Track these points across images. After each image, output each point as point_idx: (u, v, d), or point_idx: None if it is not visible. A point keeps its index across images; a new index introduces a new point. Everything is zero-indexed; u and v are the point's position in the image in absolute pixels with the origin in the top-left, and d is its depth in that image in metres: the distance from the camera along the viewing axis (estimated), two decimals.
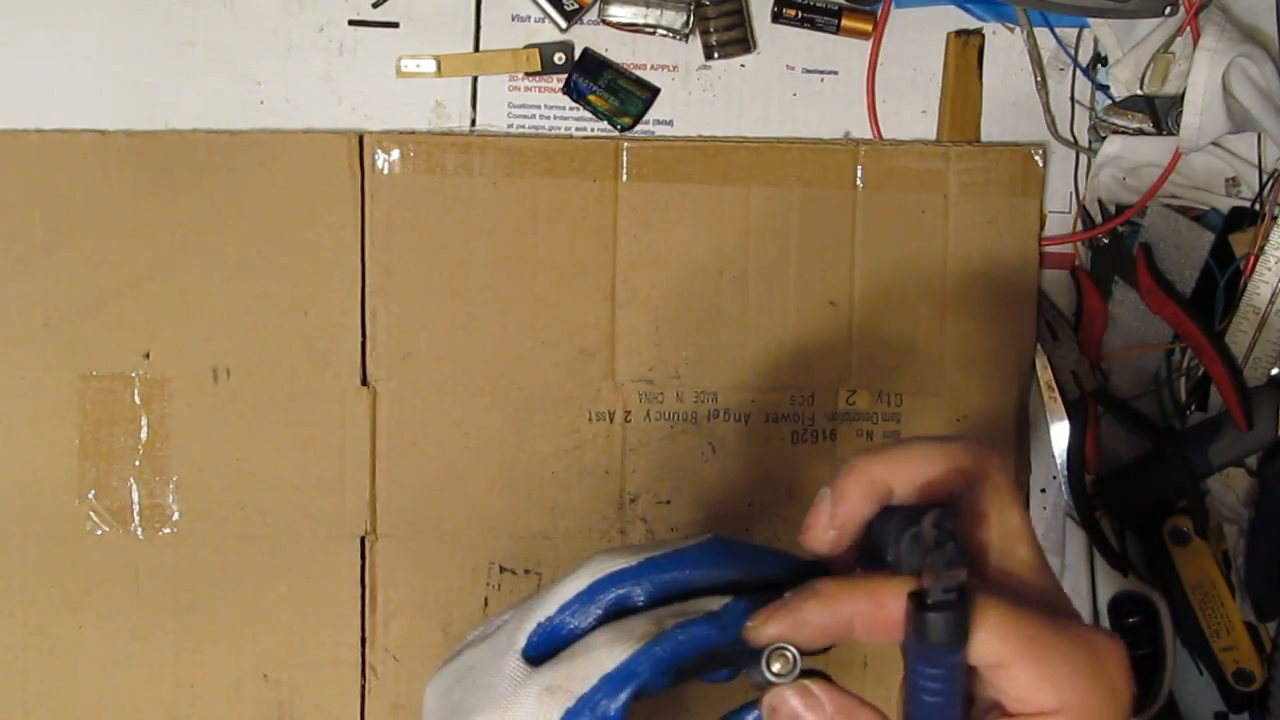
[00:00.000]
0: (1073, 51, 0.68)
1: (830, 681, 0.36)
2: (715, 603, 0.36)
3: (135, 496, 0.63)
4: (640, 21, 0.65)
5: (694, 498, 0.66)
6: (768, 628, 0.35)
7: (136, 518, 0.64)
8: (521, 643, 0.37)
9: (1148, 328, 0.68)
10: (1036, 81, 0.68)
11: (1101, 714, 0.35)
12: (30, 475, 0.63)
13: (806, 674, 0.36)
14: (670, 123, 0.67)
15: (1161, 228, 0.67)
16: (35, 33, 0.63)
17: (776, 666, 0.35)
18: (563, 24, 0.64)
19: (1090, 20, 0.67)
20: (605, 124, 0.66)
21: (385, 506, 0.64)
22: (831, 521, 0.37)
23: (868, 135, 0.68)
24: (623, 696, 0.34)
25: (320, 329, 0.64)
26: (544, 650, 0.37)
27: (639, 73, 0.66)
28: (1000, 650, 0.34)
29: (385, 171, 0.64)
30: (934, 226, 0.67)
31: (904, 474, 0.37)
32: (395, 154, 0.64)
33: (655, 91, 0.66)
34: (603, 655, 0.35)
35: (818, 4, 0.66)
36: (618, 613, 0.37)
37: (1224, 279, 0.66)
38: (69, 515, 0.63)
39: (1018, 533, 0.37)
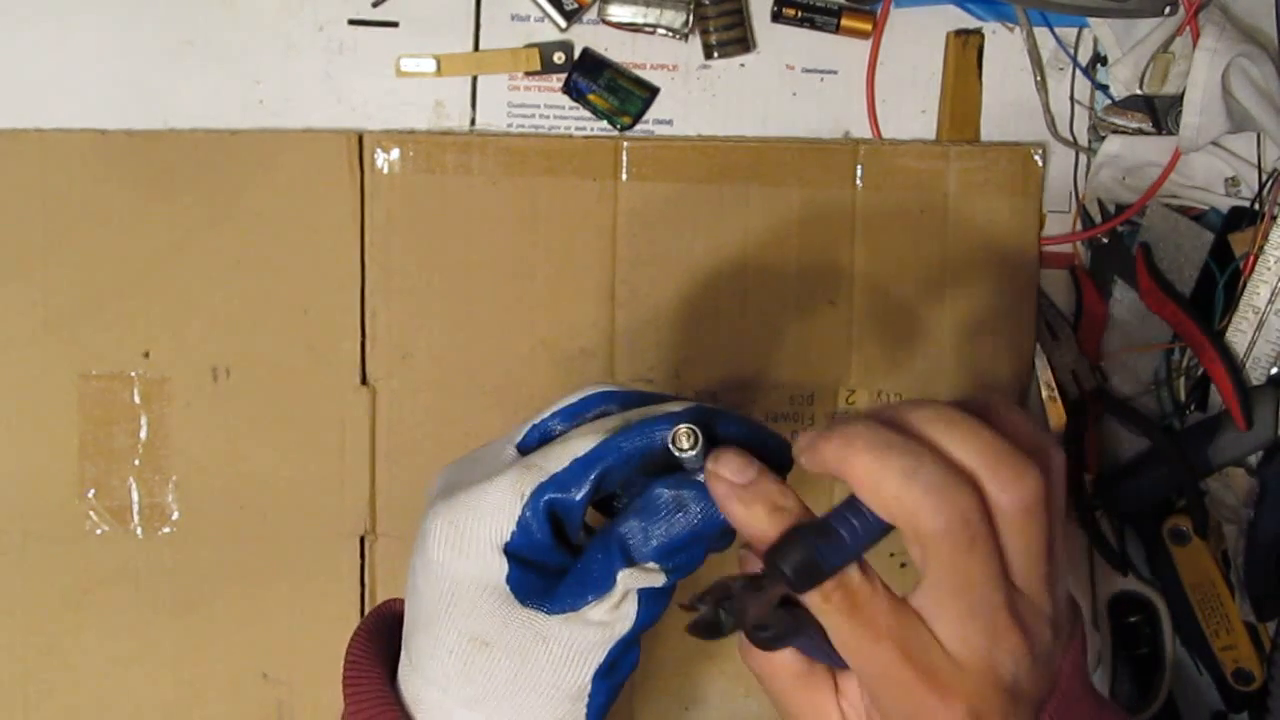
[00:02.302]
0: (1072, 51, 0.68)
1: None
2: (679, 405, 0.41)
3: (135, 496, 0.63)
4: (640, 21, 0.65)
5: None
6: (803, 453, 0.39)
7: (136, 517, 0.64)
8: (518, 438, 0.43)
9: (1147, 328, 0.68)
10: (1036, 81, 0.68)
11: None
12: (30, 475, 0.63)
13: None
14: (670, 122, 0.67)
15: (1161, 227, 0.67)
16: (35, 33, 0.63)
17: (685, 442, 0.39)
18: (562, 23, 0.64)
19: (1090, 20, 0.67)
20: (605, 123, 0.66)
21: (385, 506, 0.64)
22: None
23: (867, 135, 0.68)
24: (589, 476, 0.40)
25: (320, 329, 0.64)
26: (536, 445, 0.43)
27: (639, 72, 0.66)
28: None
29: (385, 171, 0.64)
30: (934, 226, 0.67)
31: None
32: (395, 154, 0.64)
33: (655, 91, 0.66)
34: (576, 444, 0.41)
35: (817, 4, 0.66)
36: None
37: (1223, 279, 0.66)
38: (69, 515, 0.63)
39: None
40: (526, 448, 0.43)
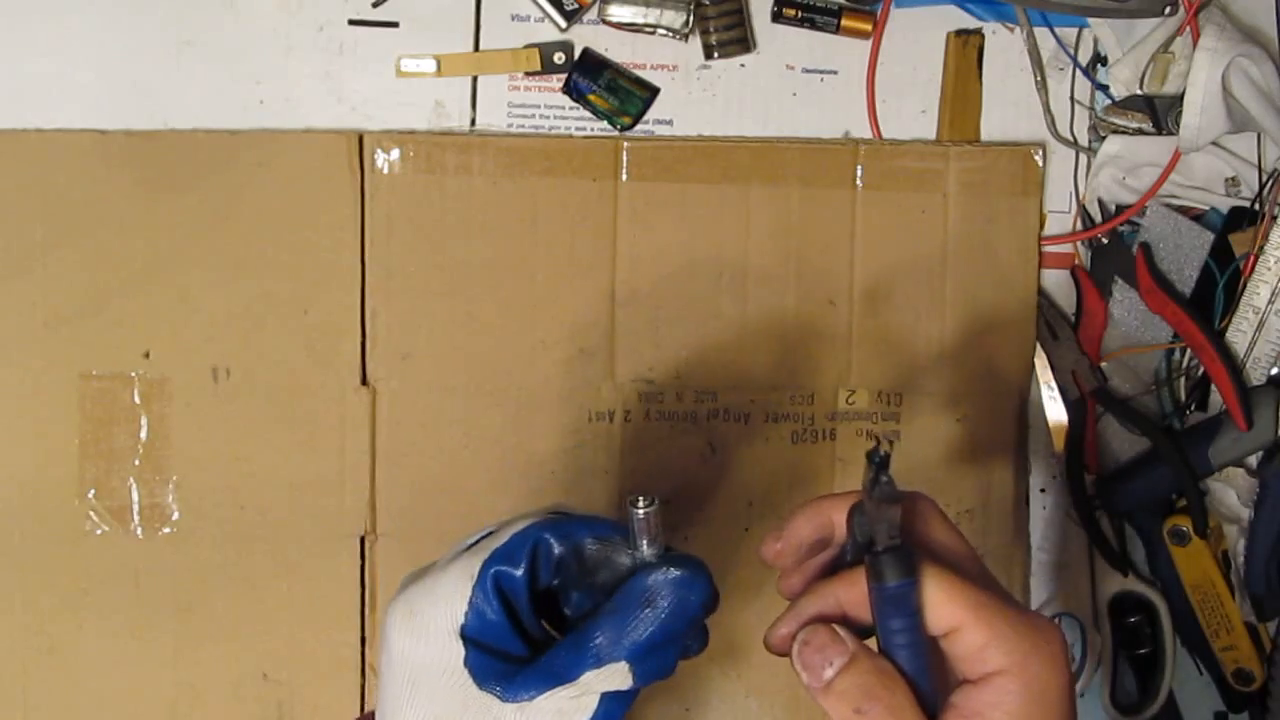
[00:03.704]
0: (1073, 51, 0.68)
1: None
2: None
3: (135, 496, 0.63)
4: (640, 21, 0.65)
5: (694, 498, 0.66)
6: (780, 629, 0.43)
7: (136, 517, 0.64)
8: (468, 541, 0.45)
9: (1147, 327, 0.68)
10: (1036, 81, 0.68)
11: (1043, 679, 0.40)
12: (30, 475, 0.63)
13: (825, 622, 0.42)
14: (670, 122, 0.67)
15: (1161, 227, 0.67)
16: (35, 32, 0.63)
17: (640, 501, 0.42)
18: (563, 24, 0.64)
19: (1090, 20, 0.67)
20: (605, 124, 0.66)
21: (385, 506, 0.64)
22: (777, 536, 0.45)
23: (868, 135, 0.68)
24: (526, 546, 0.42)
25: (320, 329, 0.64)
26: None
27: (639, 72, 0.66)
28: (951, 613, 0.40)
29: (385, 171, 0.64)
30: (934, 226, 0.67)
31: (845, 505, 0.43)
32: (395, 154, 0.64)
33: (655, 91, 0.66)
34: (517, 525, 0.44)
35: (818, 4, 0.66)
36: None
37: (1224, 279, 0.66)
38: (69, 515, 0.63)
39: (954, 542, 0.44)
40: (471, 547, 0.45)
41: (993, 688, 0.40)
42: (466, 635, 0.42)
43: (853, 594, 0.42)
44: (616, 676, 0.41)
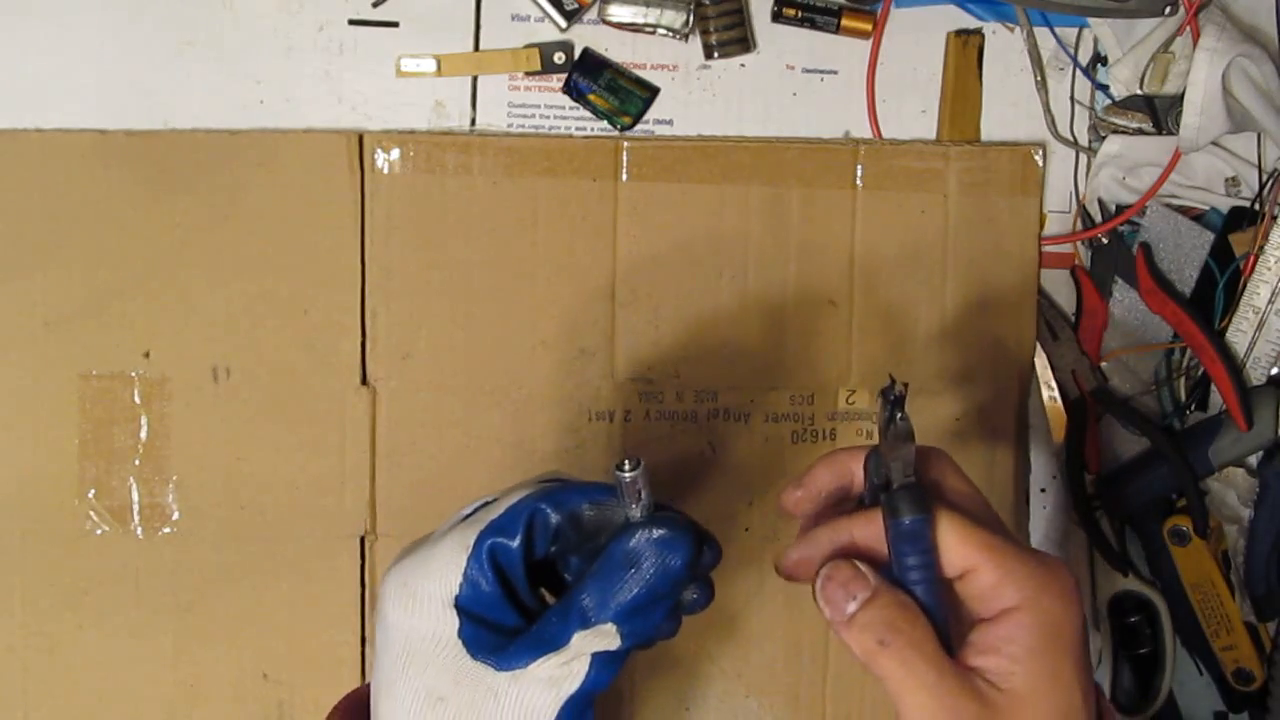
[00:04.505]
0: (1073, 51, 0.68)
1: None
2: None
3: (135, 496, 0.63)
4: (640, 21, 0.65)
5: (694, 498, 0.66)
6: (792, 554, 0.45)
7: (136, 517, 0.64)
8: (465, 512, 0.46)
9: (1148, 327, 0.68)
10: (1036, 81, 0.68)
11: (1055, 614, 0.41)
12: (30, 475, 0.63)
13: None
14: (670, 122, 0.67)
15: (1161, 227, 0.67)
16: (35, 32, 0.63)
17: (626, 465, 0.42)
18: (563, 24, 0.64)
19: (1090, 20, 0.67)
20: (605, 123, 0.66)
21: (385, 506, 0.64)
22: (798, 484, 0.47)
23: (868, 135, 0.68)
24: (522, 518, 0.43)
25: (320, 329, 0.64)
26: None
27: (639, 72, 0.66)
28: (965, 554, 0.41)
29: (385, 171, 0.64)
30: (934, 226, 0.67)
31: (864, 456, 0.45)
32: (395, 153, 0.64)
33: (655, 91, 0.66)
34: (512, 495, 0.44)
35: (818, 4, 0.66)
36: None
37: (1224, 279, 0.66)
38: (69, 515, 0.63)
39: (965, 489, 0.45)
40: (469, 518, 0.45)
41: (1008, 623, 0.41)
42: (460, 606, 0.42)
43: (868, 531, 0.43)
44: (605, 638, 0.42)
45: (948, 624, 0.42)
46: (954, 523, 0.42)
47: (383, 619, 0.43)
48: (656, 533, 0.42)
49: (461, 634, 0.42)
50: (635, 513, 0.43)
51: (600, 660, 0.42)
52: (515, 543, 0.42)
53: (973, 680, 0.41)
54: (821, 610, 0.42)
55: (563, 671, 0.41)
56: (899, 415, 0.41)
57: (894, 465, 0.41)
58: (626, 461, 0.42)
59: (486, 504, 0.45)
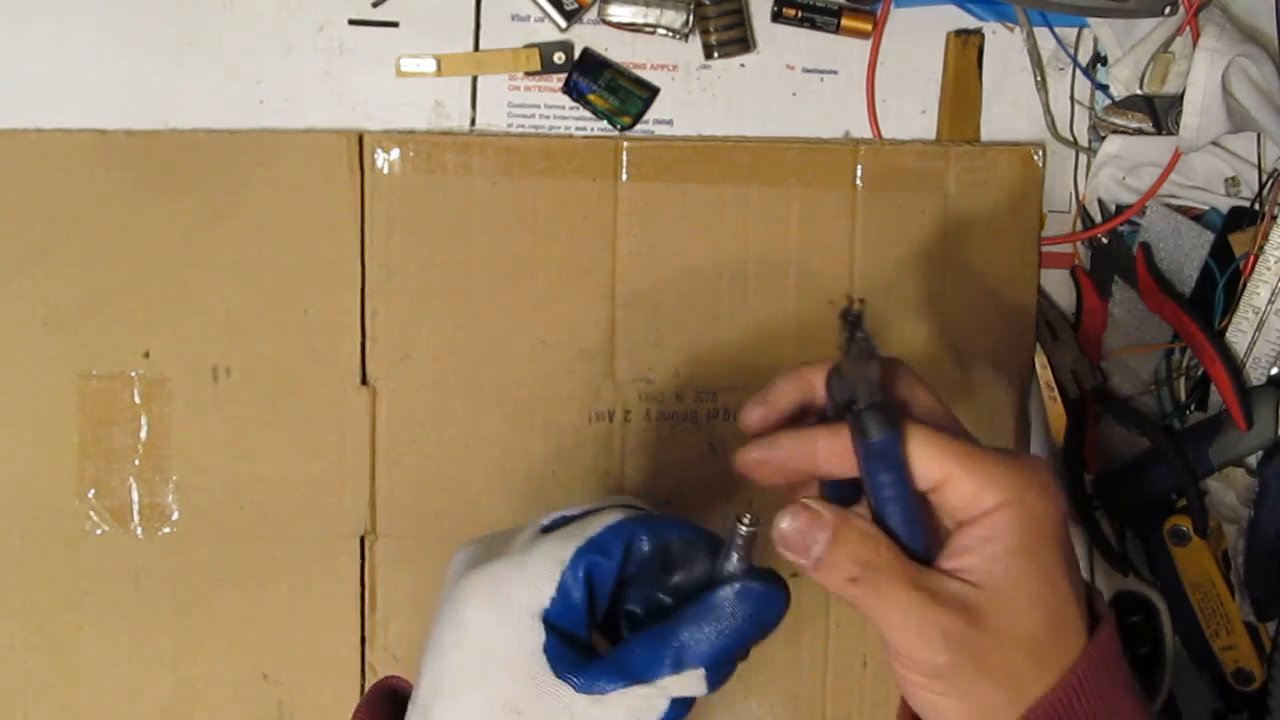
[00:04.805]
0: (1072, 51, 0.68)
1: (818, 498, 0.42)
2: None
3: (135, 496, 0.63)
4: (640, 21, 0.65)
5: (694, 498, 0.66)
6: (751, 450, 0.44)
7: (136, 517, 0.64)
8: (544, 522, 0.45)
9: (1147, 327, 0.68)
10: (1036, 81, 0.68)
11: (1038, 509, 0.41)
12: (30, 475, 0.63)
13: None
14: (670, 122, 0.67)
15: (1161, 227, 0.67)
16: (35, 32, 0.63)
17: (746, 518, 0.42)
18: (562, 23, 0.64)
19: (1090, 20, 0.67)
20: (605, 123, 0.66)
21: (385, 506, 0.64)
22: (761, 401, 0.45)
23: (867, 135, 0.68)
24: (621, 540, 0.42)
25: (320, 329, 0.64)
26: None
27: (639, 72, 0.66)
28: (939, 465, 0.40)
29: (385, 171, 0.64)
30: (934, 226, 0.67)
31: (826, 370, 0.44)
32: (395, 153, 0.64)
33: (655, 91, 0.66)
34: (608, 516, 0.43)
35: (818, 4, 0.66)
36: None
37: (1223, 279, 0.66)
38: (69, 515, 0.63)
39: (931, 402, 0.44)
40: (552, 529, 0.44)
41: (988, 522, 0.40)
42: (547, 620, 0.41)
43: (833, 443, 0.42)
44: (693, 682, 0.41)
45: (926, 538, 0.42)
46: (925, 436, 0.41)
47: (459, 619, 0.42)
48: (761, 586, 0.42)
49: (546, 649, 0.41)
50: (733, 563, 0.43)
51: (678, 702, 0.42)
52: (613, 562, 0.42)
53: (950, 591, 0.40)
54: (781, 552, 0.42)
55: (643, 704, 0.41)
56: (858, 334, 0.40)
57: (859, 384, 0.40)
58: (748, 515, 0.42)
59: (567, 518, 0.45)
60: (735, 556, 0.43)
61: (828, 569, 0.41)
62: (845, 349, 0.40)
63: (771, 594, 0.42)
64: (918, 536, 0.42)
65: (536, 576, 0.42)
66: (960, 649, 0.40)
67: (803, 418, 0.45)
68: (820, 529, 0.41)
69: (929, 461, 0.41)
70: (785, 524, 0.41)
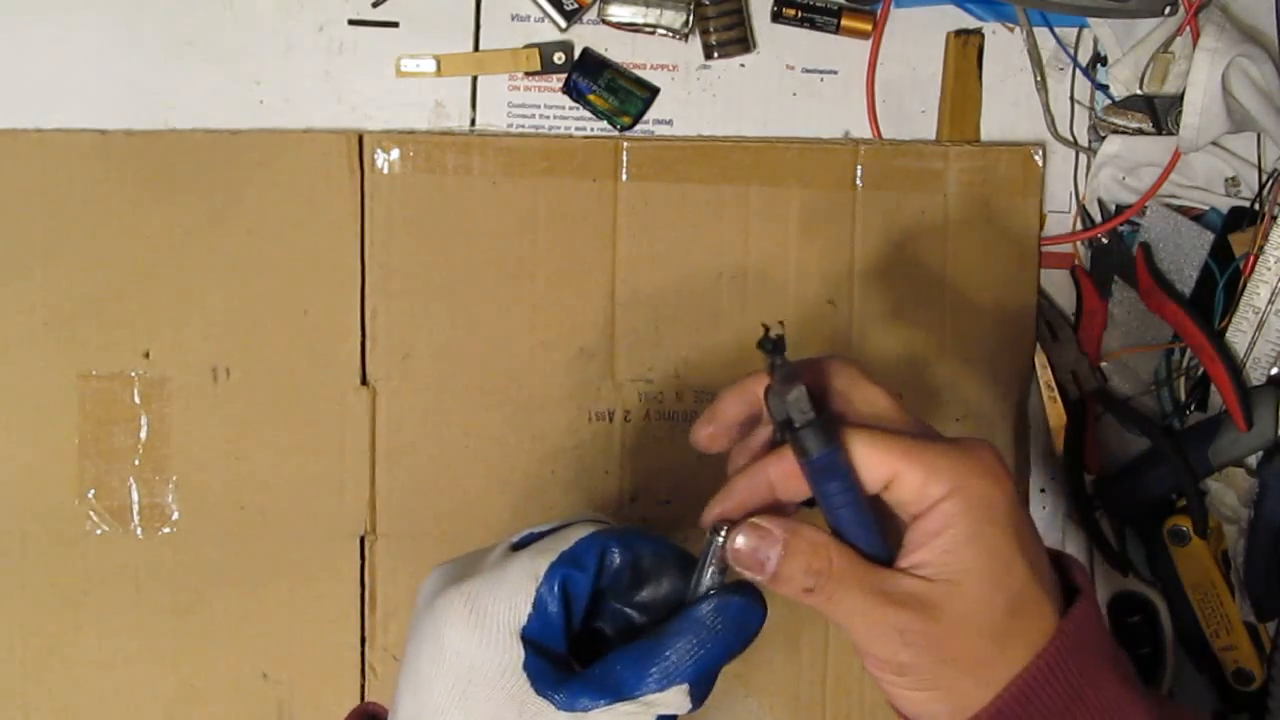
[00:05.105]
0: (1072, 51, 0.68)
1: (769, 515, 0.43)
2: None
3: (135, 496, 0.63)
4: (640, 21, 0.65)
5: (694, 498, 0.66)
6: (713, 509, 0.44)
7: (136, 517, 0.64)
8: (513, 540, 0.45)
9: (1147, 327, 0.68)
10: (1036, 81, 0.68)
11: (985, 493, 0.41)
12: (30, 475, 0.63)
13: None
14: (670, 122, 0.67)
15: (1161, 228, 0.67)
16: (35, 32, 0.63)
17: (722, 531, 0.42)
18: (562, 24, 0.64)
19: (1090, 20, 0.67)
20: (605, 124, 0.66)
21: (385, 506, 0.64)
22: (709, 419, 0.46)
23: (867, 135, 0.68)
24: (595, 551, 0.42)
25: (320, 329, 0.64)
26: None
27: (639, 72, 0.66)
28: (883, 464, 0.41)
29: (385, 171, 0.64)
30: (934, 226, 0.67)
31: (765, 382, 0.44)
32: (395, 154, 0.64)
33: (655, 91, 0.66)
34: (579, 530, 0.44)
35: (817, 4, 0.66)
36: None
37: (1224, 279, 0.66)
38: (69, 515, 0.63)
39: (874, 396, 0.44)
40: (520, 547, 0.45)
41: (937, 514, 0.41)
42: (525, 637, 0.41)
43: (783, 467, 0.43)
44: (678, 698, 0.41)
45: (885, 540, 0.42)
46: (866, 438, 0.41)
47: (439, 641, 0.42)
48: (741, 599, 0.42)
49: (526, 666, 0.41)
50: (710, 576, 0.43)
51: (662, 719, 0.42)
52: (588, 575, 0.42)
53: (905, 589, 0.41)
54: (738, 571, 0.42)
55: None
56: (778, 361, 0.41)
57: (790, 406, 0.41)
58: (724, 527, 0.42)
59: (535, 535, 0.45)
60: (711, 570, 0.43)
61: (784, 582, 0.41)
62: (771, 376, 0.41)
63: (750, 606, 0.43)
64: (875, 540, 0.42)
65: (512, 593, 0.42)
66: (919, 645, 0.41)
67: (752, 428, 0.46)
68: (771, 545, 0.41)
69: (874, 463, 0.41)
70: (739, 543, 0.42)
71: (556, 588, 0.42)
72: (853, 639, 0.42)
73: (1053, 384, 0.69)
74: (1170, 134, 0.66)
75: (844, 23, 0.66)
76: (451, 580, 0.43)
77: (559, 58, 0.65)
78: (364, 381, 0.64)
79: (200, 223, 0.63)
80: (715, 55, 0.66)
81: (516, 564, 0.42)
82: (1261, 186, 0.67)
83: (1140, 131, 0.67)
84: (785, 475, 0.43)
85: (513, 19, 0.65)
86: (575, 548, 0.43)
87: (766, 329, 0.41)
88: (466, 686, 0.41)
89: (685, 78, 0.66)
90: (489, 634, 0.41)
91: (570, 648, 0.43)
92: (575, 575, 0.42)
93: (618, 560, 0.43)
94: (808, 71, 0.67)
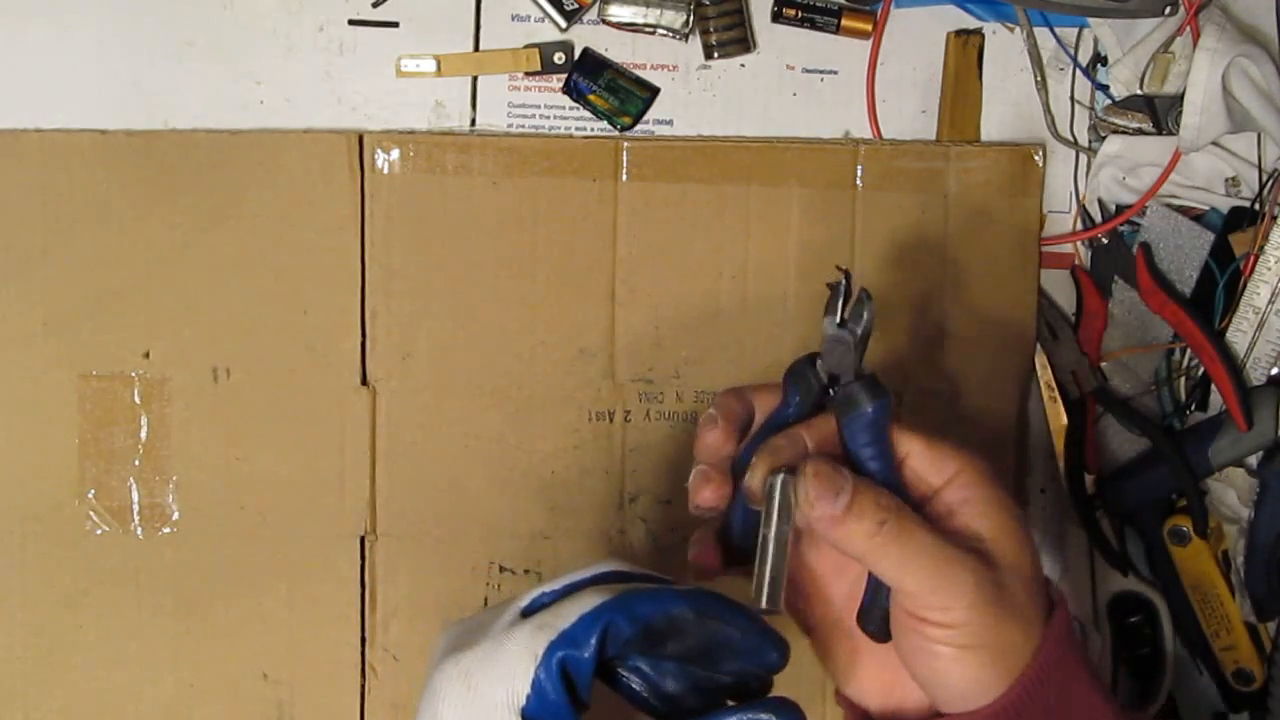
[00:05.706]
0: (1073, 51, 0.68)
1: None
2: (683, 587, 0.44)
3: (135, 496, 0.63)
4: (640, 21, 0.65)
5: None
6: (759, 468, 0.44)
7: (136, 517, 0.64)
8: (523, 604, 0.44)
9: (1148, 328, 0.68)
10: (1036, 81, 0.68)
11: (989, 469, 0.45)
12: (30, 475, 0.63)
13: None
14: (670, 122, 0.67)
15: (1161, 228, 0.67)
16: (35, 32, 0.63)
17: (780, 476, 0.43)
18: (563, 24, 0.64)
19: (1090, 20, 0.67)
20: (605, 124, 0.66)
21: (385, 506, 0.64)
22: (714, 420, 0.47)
23: (868, 135, 0.68)
24: (595, 630, 0.40)
25: (320, 329, 0.64)
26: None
27: (639, 72, 0.66)
28: (907, 439, 0.45)
29: (385, 171, 0.64)
30: (934, 226, 0.67)
31: (759, 393, 0.48)
32: (395, 154, 0.64)
33: (655, 91, 0.66)
34: (585, 602, 0.42)
35: (818, 4, 0.66)
36: None
37: (1224, 279, 0.66)
38: (69, 515, 0.63)
39: None
40: (531, 612, 0.43)
41: (959, 484, 0.44)
42: (526, 716, 0.40)
43: (814, 436, 0.45)
44: None
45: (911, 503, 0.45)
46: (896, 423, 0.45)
47: (436, 717, 0.41)
48: (767, 717, 0.42)
49: None
50: (774, 527, 0.43)
51: None
52: (587, 654, 0.40)
53: (962, 536, 0.43)
54: (809, 512, 0.42)
55: None
56: (866, 297, 0.44)
57: (845, 361, 0.44)
58: (782, 473, 0.43)
59: (545, 597, 0.43)
60: (775, 521, 0.43)
61: (856, 517, 0.42)
62: (846, 317, 0.45)
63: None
64: (909, 502, 0.44)
65: (509, 674, 0.40)
66: (984, 590, 0.42)
67: (745, 432, 0.47)
68: (843, 479, 0.42)
69: (899, 434, 0.45)
70: (811, 477, 0.42)
71: (555, 668, 0.40)
72: (913, 585, 0.42)
73: (1053, 384, 0.69)
74: (1170, 134, 0.66)
75: (844, 23, 0.66)
76: (455, 648, 0.42)
77: (559, 58, 0.65)
78: (364, 381, 0.64)
79: (200, 223, 0.63)
80: (715, 55, 0.66)
81: (515, 640, 0.41)
82: (1261, 186, 0.67)
83: (1140, 131, 0.67)
84: (819, 445, 0.44)
85: (513, 19, 0.65)
86: (574, 627, 0.41)
87: (841, 269, 0.45)
88: None
89: (685, 78, 0.66)
90: (484, 713, 0.40)
91: (601, 675, 0.42)
92: (575, 656, 0.40)
93: (626, 631, 0.41)
94: (808, 71, 0.67)
